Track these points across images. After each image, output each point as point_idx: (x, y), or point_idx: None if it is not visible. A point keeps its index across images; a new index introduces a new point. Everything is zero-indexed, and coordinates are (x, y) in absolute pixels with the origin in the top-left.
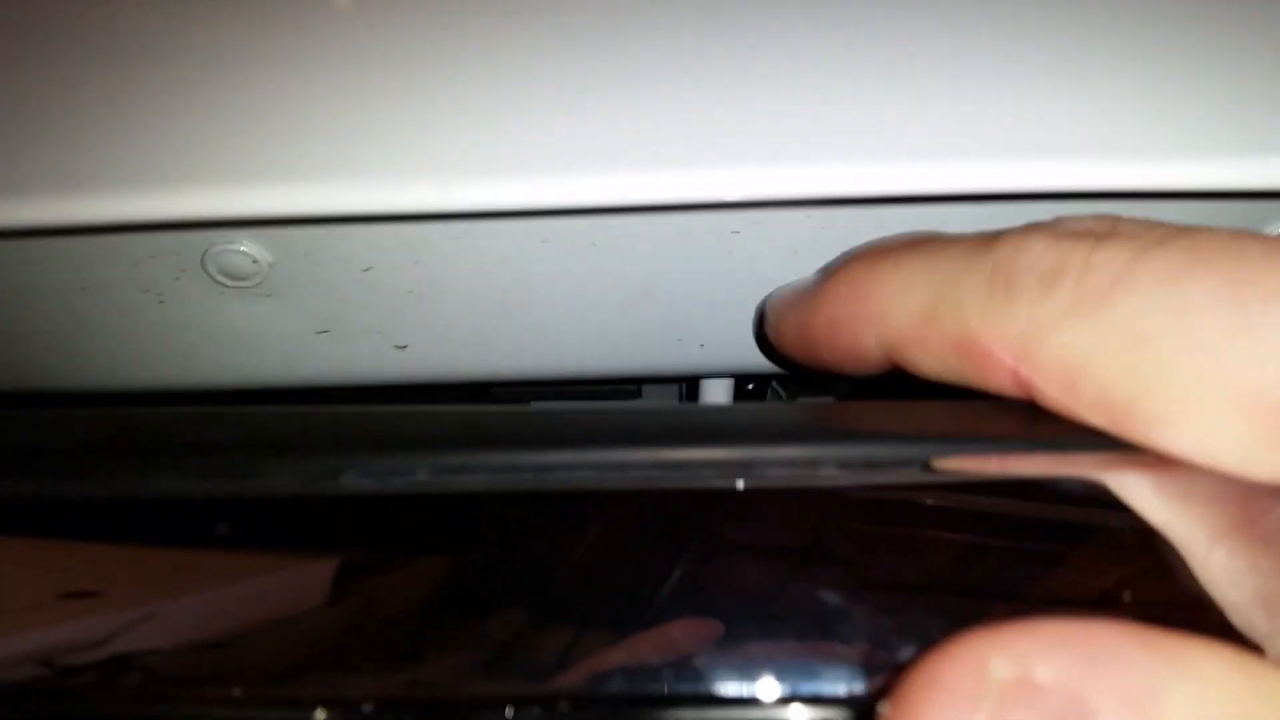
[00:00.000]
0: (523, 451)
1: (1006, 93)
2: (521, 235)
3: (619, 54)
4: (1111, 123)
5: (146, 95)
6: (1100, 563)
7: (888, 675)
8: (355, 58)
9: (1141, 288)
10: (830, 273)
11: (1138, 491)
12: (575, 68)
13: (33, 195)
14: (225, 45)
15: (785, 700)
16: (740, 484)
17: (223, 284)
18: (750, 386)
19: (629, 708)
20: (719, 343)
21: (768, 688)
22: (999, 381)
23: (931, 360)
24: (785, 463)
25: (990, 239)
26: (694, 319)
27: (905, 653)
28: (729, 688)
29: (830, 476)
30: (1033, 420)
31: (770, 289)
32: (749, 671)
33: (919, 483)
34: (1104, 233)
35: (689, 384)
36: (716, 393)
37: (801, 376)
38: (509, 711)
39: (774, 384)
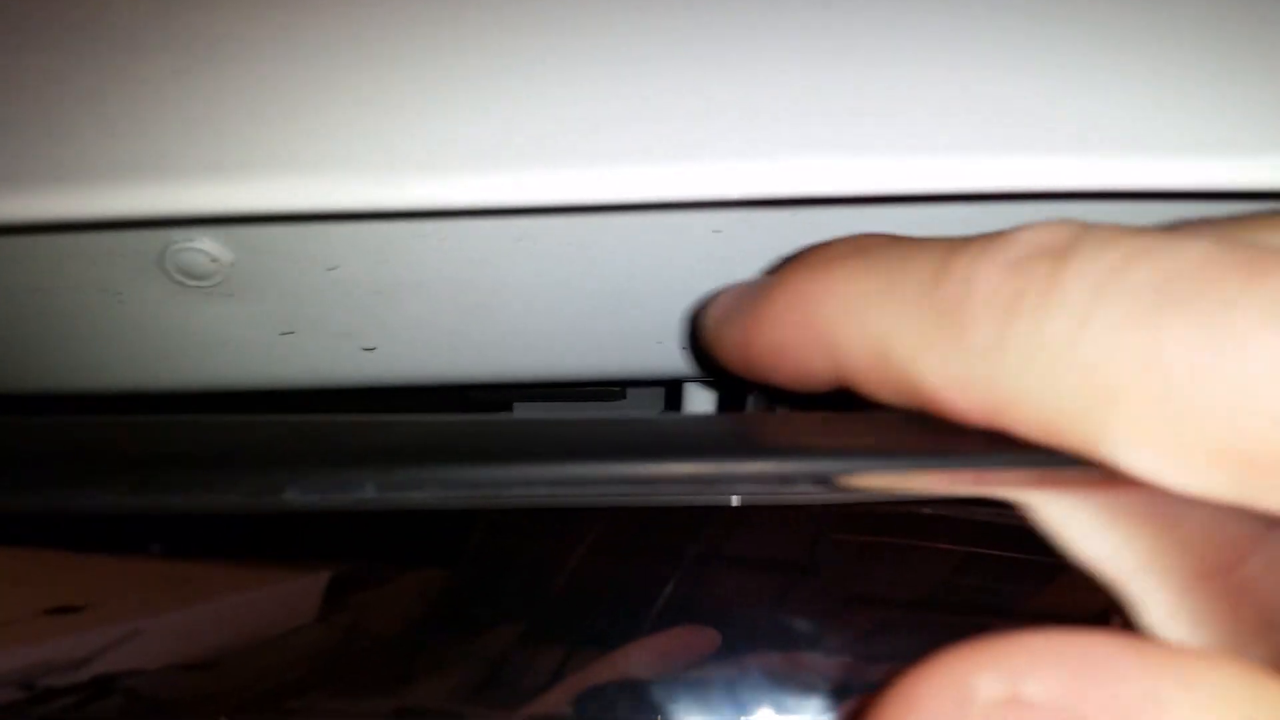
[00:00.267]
0: (473, 467)
1: (993, 88)
2: (493, 233)
3: (592, 47)
4: (1103, 119)
5: (96, 90)
6: (1089, 583)
7: (865, 695)
8: (316, 50)
9: (1105, 333)
10: (773, 285)
11: (1077, 522)
12: (549, 61)
13: None
14: (180, 38)
15: None
16: (735, 500)
17: (182, 283)
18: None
19: None
20: None
21: (750, 708)
22: (966, 422)
23: (887, 396)
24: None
25: (943, 261)
26: (675, 321)
27: (886, 670)
28: (711, 709)
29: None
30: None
31: None
32: (731, 692)
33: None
34: (1063, 248)
35: (673, 387)
36: (700, 396)
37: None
38: None
39: (751, 395)
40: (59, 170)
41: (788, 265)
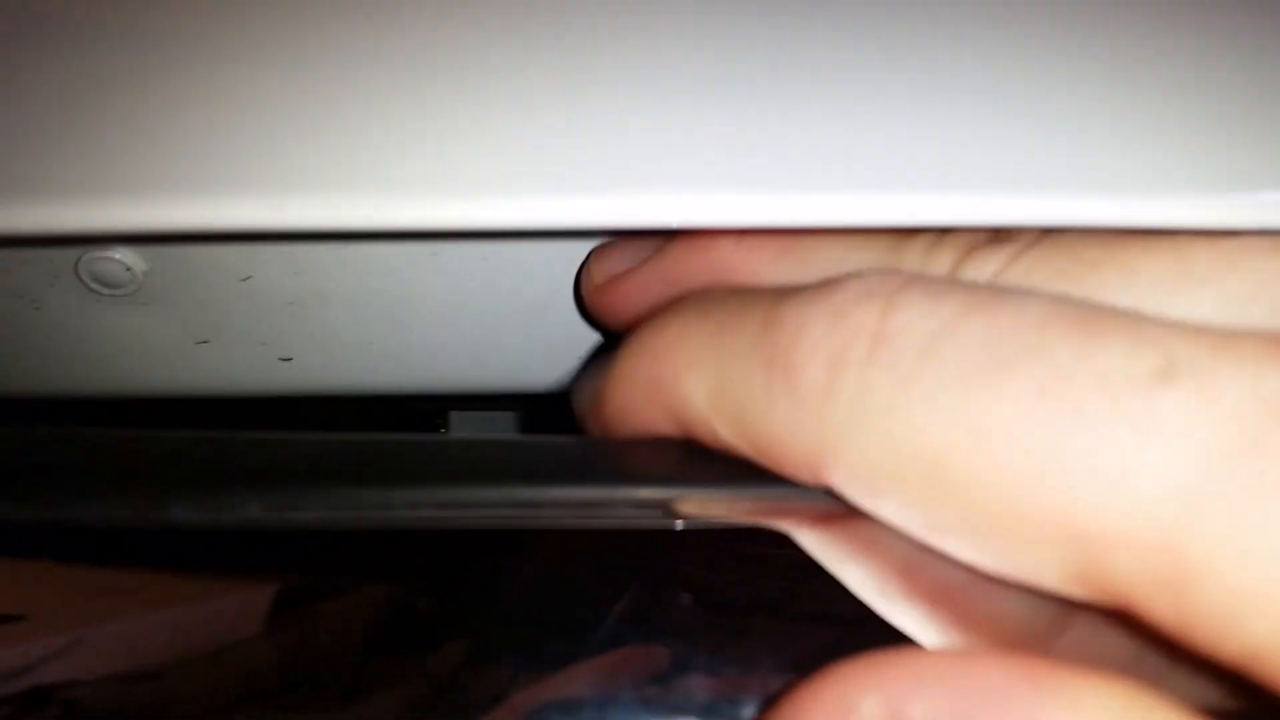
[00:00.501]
0: (356, 488)
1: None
2: (408, 248)
3: (520, 70)
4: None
5: (11, 103)
6: None
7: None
8: (228, 70)
9: (930, 397)
10: (621, 348)
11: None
12: (473, 82)
13: None
14: (96, 47)
15: None
16: (679, 525)
17: (98, 291)
18: None
19: None
20: None
21: None
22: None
23: (728, 444)
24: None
25: (773, 307)
26: (589, 339)
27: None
28: None
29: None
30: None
31: None
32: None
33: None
34: (892, 293)
35: None
36: None
37: None
38: None
39: None
40: None
41: (638, 327)
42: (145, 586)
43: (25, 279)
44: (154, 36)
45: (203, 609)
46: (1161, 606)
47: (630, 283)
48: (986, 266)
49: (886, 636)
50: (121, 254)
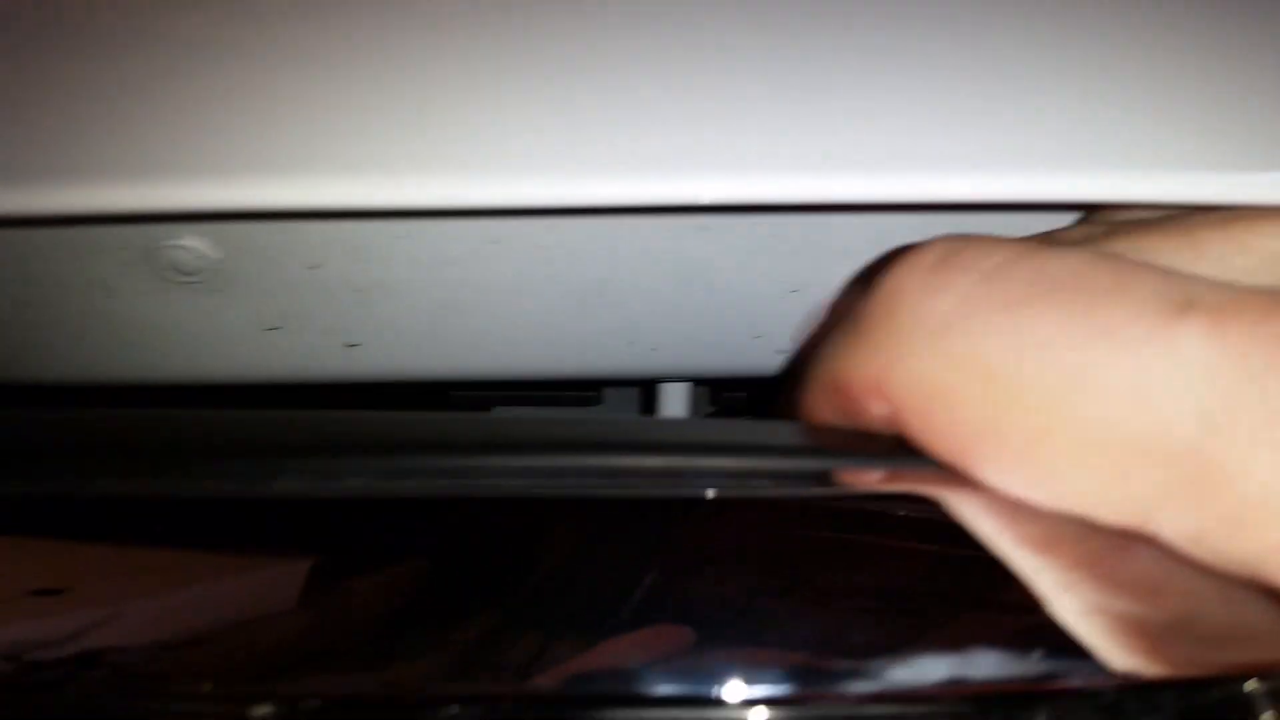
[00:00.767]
0: (461, 457)
1: (968, 101)
2: (469, 235)
3: (575, 53)
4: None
5: (87, 88)
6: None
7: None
8: (301, 54)
9: (980, 316)
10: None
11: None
12: (533, 66)
13: None
14: (171, 38)
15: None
16: (710, 493)
17: (171, 278)
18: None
19: (590, 708)
20: (671, 347)
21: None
22: (872, 420)
23: (831, 416)
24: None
25: (867, 288)
26: (645, 323)
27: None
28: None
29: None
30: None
31: (720, 294)
32: (709, 675)
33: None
34: (948, 256)
35: (647, 388)
36: (674, 398)
37: None
38: (455, 710)
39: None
40: (54, 167)
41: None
42: (180, 563)
43: (99, 265)
44: (235, 22)
45: (238, 582)
46: (1180, 517)
47: None
48: None
49: (912, 613)
50: (195, 242)
